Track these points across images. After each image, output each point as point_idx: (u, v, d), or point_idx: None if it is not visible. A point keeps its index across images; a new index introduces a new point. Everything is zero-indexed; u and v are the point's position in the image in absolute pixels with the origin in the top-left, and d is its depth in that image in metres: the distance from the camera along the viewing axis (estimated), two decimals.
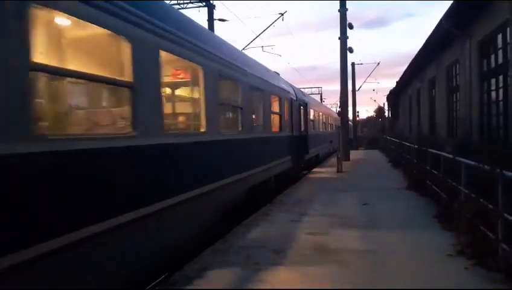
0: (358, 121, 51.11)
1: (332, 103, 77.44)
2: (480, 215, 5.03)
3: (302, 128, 14.36)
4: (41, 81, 3.66)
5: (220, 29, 43.13)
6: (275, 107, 10.69)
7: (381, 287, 4.05)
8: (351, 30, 19.61)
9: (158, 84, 4.66)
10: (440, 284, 4.09)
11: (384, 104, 43.59)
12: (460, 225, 5.49)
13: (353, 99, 36.43)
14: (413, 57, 16.07)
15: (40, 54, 3.47)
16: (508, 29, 7.64)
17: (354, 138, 33.01)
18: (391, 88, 29.88)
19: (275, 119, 10.70)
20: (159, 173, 4.58)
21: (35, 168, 2.99)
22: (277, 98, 10.82)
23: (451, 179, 6.92)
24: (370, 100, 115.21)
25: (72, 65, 4.19)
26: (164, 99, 5.04)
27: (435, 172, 8.34)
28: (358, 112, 51.77)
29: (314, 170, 16.21)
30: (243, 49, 18.89)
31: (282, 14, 19.57)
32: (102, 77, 4.05)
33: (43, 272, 2.99)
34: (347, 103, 20.30)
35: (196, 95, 6.33)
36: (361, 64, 50.85)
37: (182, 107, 7.20)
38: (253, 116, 8.75)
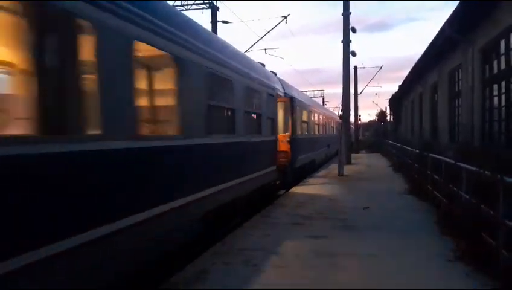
0: (360, 125, 51.02)
1: (334, 106, 77.46)
2: (480, 221, 5.04)
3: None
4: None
5: (222, 31, 43.26)
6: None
7: None
8: (354, 34, 19.63)
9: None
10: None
11: (386, 108, 43.54)
12: (461, 230, 5.49)
13: (355, 102, 36.37)
14: (416, 61, 16.09)
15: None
16: (511, 35, 7.66)
17: (355, 141, 33.09)
18: (393, 92, 29.94)
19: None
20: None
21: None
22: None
23: (452, 184, 6.92)
24: (372, 104, 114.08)
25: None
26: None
27: (436, 177, 8.34)
28: (360, 116, 51.73)
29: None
30: (246, 51, 18.90)
31: (286, 17, 19.52)
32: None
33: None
34: (349, 107, 20.30)
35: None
36: (364, 68, 50.42)
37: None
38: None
